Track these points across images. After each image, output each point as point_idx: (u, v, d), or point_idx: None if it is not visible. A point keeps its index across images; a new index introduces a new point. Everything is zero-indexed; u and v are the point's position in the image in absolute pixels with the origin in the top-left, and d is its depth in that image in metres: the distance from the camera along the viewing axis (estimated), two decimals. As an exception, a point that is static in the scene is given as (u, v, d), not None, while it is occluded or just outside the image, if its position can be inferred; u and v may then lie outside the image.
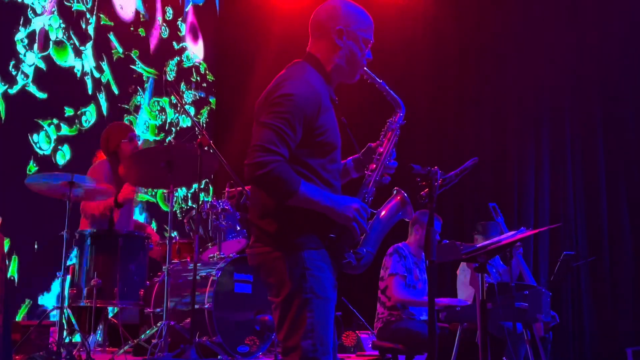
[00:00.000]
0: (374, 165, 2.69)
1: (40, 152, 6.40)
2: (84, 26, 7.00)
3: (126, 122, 7.13)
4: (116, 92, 7.37)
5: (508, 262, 4.86)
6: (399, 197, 2.74)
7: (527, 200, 7.59)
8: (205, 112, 8.84)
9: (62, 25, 6.72)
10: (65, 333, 4.42)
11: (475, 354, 3.74)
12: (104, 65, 7.22)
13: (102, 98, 7.16)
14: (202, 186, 8.19)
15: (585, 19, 7.66)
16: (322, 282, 2.45)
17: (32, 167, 6.32)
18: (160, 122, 8.02)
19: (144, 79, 7.79)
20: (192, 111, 8.50)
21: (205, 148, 4.60)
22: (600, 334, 7.22)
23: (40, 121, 6.44)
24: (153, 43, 8.01)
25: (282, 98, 2.45)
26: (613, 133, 7.48)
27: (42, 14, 6.50)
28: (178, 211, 8.13)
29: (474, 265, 3.60)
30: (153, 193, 7.63)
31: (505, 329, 5.12)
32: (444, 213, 6.88)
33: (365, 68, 2.70)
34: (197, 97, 8.69)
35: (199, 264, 4.62)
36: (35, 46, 6.41)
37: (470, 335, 5.19)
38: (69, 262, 4.86)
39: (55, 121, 6.58)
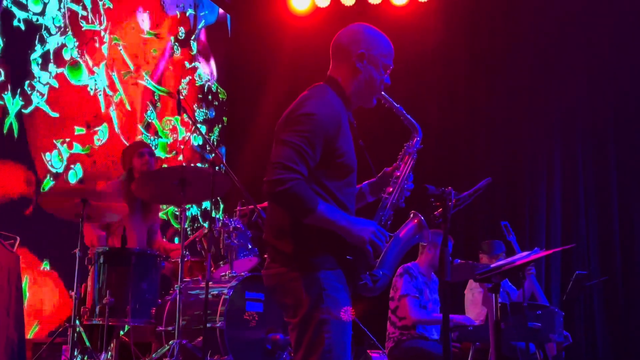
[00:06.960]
0: (392, 189, 2.70)
1: (53, 171, 6.43)
2: (97, 46, 7.05)
3: (143, 140, 7.18)
4: (129, 109, 7.42)
5: (520, 283, 4.85)
6: (416, 221, 2.75)
7: (539, 219, 7.56)
8: (217, 130, 8.87)
9: (76, 44, 6.78)
10: (76, 351, 4.42)
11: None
12: (117, 84, 7.27)
13: (114, 117, 7.21)
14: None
15: (600, 39, 7.66)
16: (338, 302, 2.46)
17: (48, 182, 6.35)
18: (172, 140, 8.05)
19: (155, 97, 7.84)
20: (203, 129, 8.54)
21: (222, 167, 4.62)
22: (613, 354, 7.15)
23: (53, 140, 6.48)
24: (165, 62, 8.07)
25: (304, 117, 2.48)
26: (626, 151, 7.46)
27: (56, 33, 6.56)
28: (189, 229, 8.13)
29: (488, 285, 3.59)
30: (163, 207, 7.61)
31: (517, 349, 5.09)
32: (456, 232, 6.86)
33: (382, 92, 2.72)
34: (209, 117, 8.72)
35: (210, 282, 4.62)
36: (50, 66, 6.47)
37: (482, 355, 5.15)
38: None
39: (67, 140, 6.62)
